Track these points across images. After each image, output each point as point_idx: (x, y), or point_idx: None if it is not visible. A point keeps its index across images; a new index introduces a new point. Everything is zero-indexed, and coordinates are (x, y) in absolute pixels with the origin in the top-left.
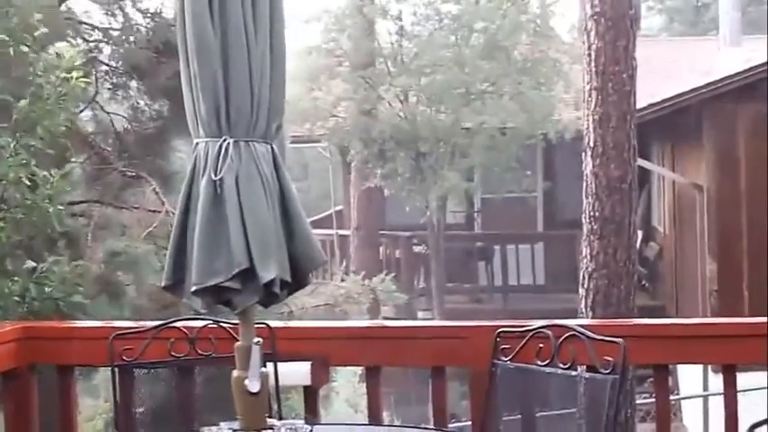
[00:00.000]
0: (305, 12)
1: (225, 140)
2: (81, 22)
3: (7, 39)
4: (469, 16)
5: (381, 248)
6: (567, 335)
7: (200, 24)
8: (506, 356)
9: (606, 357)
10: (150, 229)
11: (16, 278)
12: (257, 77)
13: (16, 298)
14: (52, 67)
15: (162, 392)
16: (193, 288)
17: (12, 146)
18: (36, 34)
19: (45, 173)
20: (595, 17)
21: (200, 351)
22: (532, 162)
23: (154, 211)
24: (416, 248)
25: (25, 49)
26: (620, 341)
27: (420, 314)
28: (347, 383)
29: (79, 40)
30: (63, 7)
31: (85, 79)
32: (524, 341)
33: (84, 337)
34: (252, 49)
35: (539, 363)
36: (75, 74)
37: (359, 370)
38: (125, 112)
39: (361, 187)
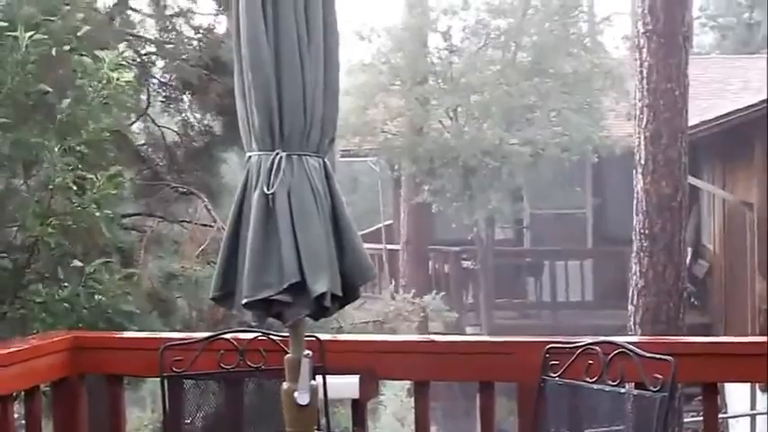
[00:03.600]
0: (358, 29)
1: (277, 154)
2: (134, 35)
3: (47, 38)
4: (517, 32)
5: (430, 263)
6: (616, 352)
7: (254, 38)
8: (555, 372)
9: (655, 375)
10: (203, 246)
11: (66, 285)
12: (311, 91)
13: (66, 305)
14: (94, 69)
15: (210, 404)
16: (244, 301)
17: (57, 149)
18: (79, 35)
19: (92, 176)
20: (648, 34)
21: (249, 363)
22: (581, 178)
23: (205, 226)
24: (465, 264)
25: (66, 48)
26: (670, 359)
27: (468, 329)
28: (394, 397)
29: (132, 52)
30: (117, 19)
31: (128, 80)
32: (573, 357)
33: (134, 348)
34: (305, 62)
35: (587, 379)
36: (116, 75)
37: (407, 384)
38: (176, 126)
39: (411, 202)
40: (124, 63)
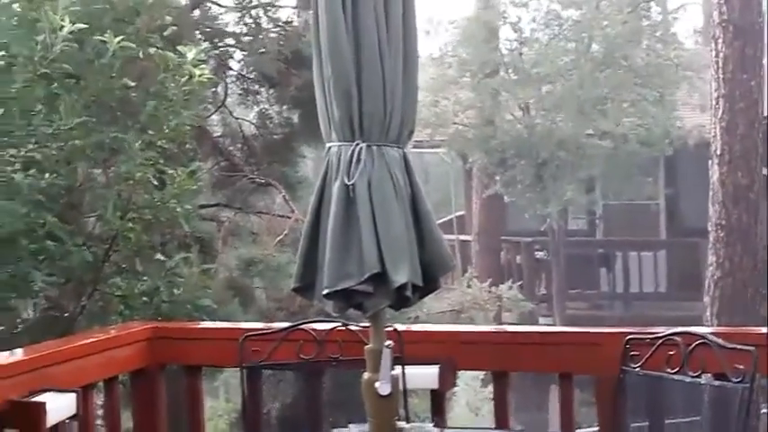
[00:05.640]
0: (428, 22)
1: (357, 145)
2: (212, 28)
3: (133, 38)
4: (589, 23)
5: (502, 254)
6: (696, 342)
7: (333, 29)
8: (635, 364)
9: (736, 366)
10: (281, 236)
11: (145, 278)
12: (390, 82)
13: (145, 298)
14: (176, 66)
15: (288, 394)
16: (325, 291)
17: (137, 144)
18: (165, 34)
19: (172, 171)
20: (723, 24)
21: (328, 353)
22: (654, 169)
23: (282, 217)
24: (538, 254)
25: (152, 50)
26: (752, 349)
27: (541, 320)
28: (467, 387)
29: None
30: (195, 12)
31: (209, 77)
32: (654, 349)
33: (213, 338)
34: (384, 54)
35: (668, 370)
36: (198, 71)
37: (480, 374)
38: (253, 118)
39: (483, 193)
40: (205, 59)
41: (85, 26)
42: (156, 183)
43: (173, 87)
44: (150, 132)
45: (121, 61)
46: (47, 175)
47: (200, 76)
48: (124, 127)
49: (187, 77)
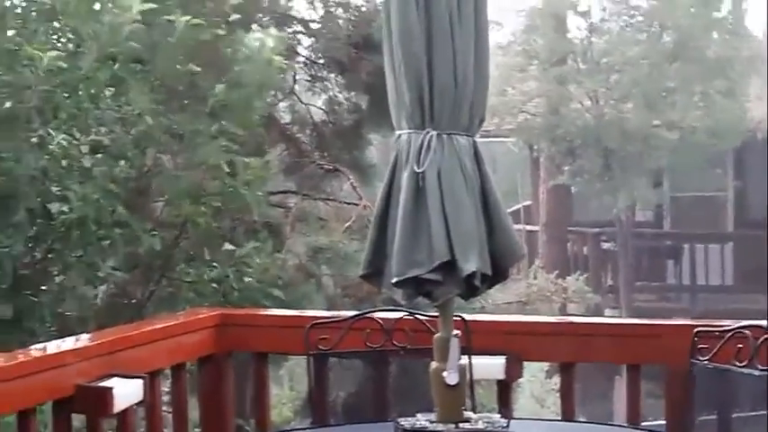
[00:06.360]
0: (497, 10)
1: (428, 133)
2: (280, 13)
3: (203, 23)
4: (660, 13)
5: (569, 244)
6: (765, 336)
7: (404, 15)
8: (704, 356)
9: None
10: (348, 223)
11: (215, 264)
12: (461, 71)
13: (214, 285)
14: (253, 54)
15: (354, 382)
16: (394, 279)
17: (211, 129)
18: (230, 20)
19: (246, 159)
20: None
21: (395, 342)
22: (722, 161)
23: (349, 204)
24: (604, 245)
25: (221, 32)
26: None
27: (607, 311)
28: (533, 378)
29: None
30: None
31: (285, 66)
32: (723, 341)
33: (281, 325)
34: (456, 41)
35: (736, 363)
36: (275, 61)
37: (545, 365)
38: (322, 104)
39: (550, 183)
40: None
41: (155, 6)
42: (227, 170)
43: (247, 75)
44: (223, 122)
45: (190, 44)
46: (122, 162)
47: (277, 67)
48: (193, 113)
49: (263, 66)
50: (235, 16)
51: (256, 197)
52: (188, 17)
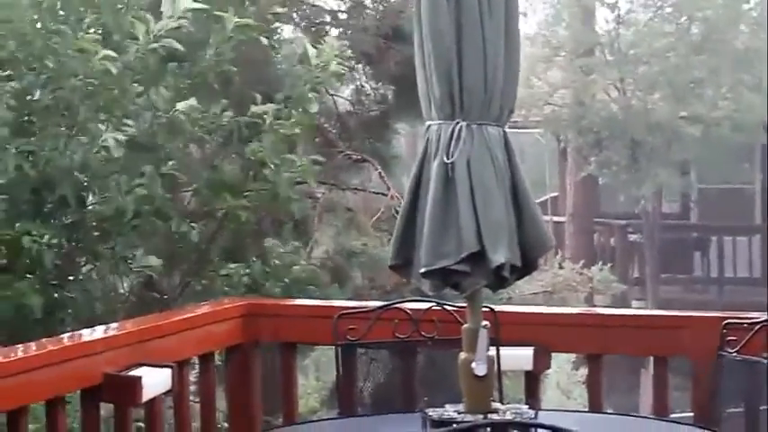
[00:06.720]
0: (523, 1)
1: (458, 123)
2: (307, 5)
3: (253, 25)
4: (688, 5)
5: (596, 236)
6: None
7: (434, 6)
8: (732, 348)
9: None
10: (377, 215)
11: (254, 259)
12: (491, 61)
13: (245, 279)
14: (314, 55)
15: (382, 372)
16: (422, 270)
17: (267, 122)
18: (273, 27)
19: (291, 156)
20: None
21: (423, 333)
22: (750, 154)
23: (377, 194)
24: (631, 237)
25: (264, 41)
26: None
27: (634, 303)
28: (559, 370)
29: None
30: None
31: (339, 71)
32: (751, 333)
33: (308, 315)
34: (486, 32)
35: (765, 356)
36: (333, 64)
37: (572, 356)
38: (349, 95)
39: (577, 175)
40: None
41: (205, 6)
42: (272, 166)
43: (304, 78)
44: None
45: (235, 43)
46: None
47: (333, 72)
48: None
49: (321, 70)
50: (276, 25)
51: (295, 194)
52: (236, 18)
